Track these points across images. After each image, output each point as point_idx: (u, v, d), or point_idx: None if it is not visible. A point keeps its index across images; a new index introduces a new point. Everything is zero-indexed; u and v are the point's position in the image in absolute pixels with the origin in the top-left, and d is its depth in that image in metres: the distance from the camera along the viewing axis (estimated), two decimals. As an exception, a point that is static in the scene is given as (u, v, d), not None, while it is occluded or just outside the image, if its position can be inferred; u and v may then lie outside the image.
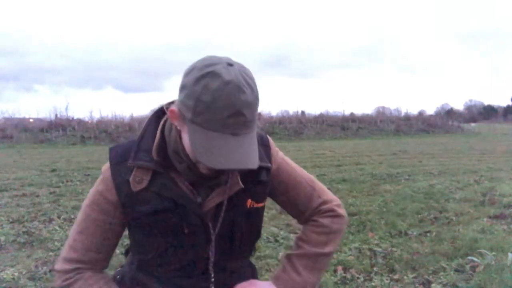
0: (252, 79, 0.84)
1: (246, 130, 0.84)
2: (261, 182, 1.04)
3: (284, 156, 1.12)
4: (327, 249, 1.09)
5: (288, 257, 1.11)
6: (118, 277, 1.14)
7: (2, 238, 3.59)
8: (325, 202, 1.11)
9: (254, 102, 0.82)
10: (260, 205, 1.05)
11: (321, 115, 26.51)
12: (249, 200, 1.03)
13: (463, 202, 5.01)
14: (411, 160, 9.86)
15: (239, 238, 1.04)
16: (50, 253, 3.23)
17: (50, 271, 2.84)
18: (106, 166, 1.01)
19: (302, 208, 1.12)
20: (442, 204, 4.89)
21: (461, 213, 4.42)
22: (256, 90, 0.84)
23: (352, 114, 27.62)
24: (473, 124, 40.08)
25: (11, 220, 4.24)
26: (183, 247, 0.99)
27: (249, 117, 0.82)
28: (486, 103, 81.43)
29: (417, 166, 8.70)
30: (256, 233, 1.09)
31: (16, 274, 2.80)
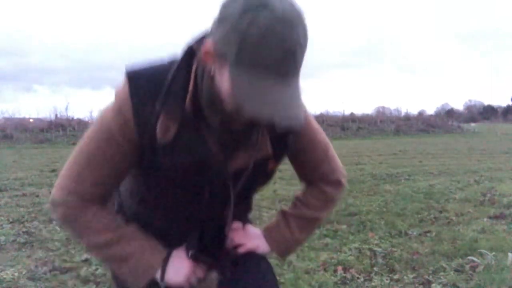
0: (303, 12, 0.73)
1: (294, 76, 0.73)
2: (288, 145, 0.99)
3: (307, 113, 1.02)
4: (322, 215, 1.12)
5: (284, 214, 1.12)
6: (116, 207, 1.10)
7: (2, 238, 3.59)
8: (333, 171, 1.10)
9: (306, 42, 0.72)
10: (279, 164, 1.01)
11: (321, 115, 26.49)
12: (272, 163, 0.98)
13: (463, 202, 5.01)
14: (411, 160, 9.86)
15: (252, 195, 1.06)
16: (50, 253, 3.22)
17: (50, 271, 2.84)
18: (124, 96, 0.86)
19: (309, 170, 1.09)
20: (442, 204, 4.89)
21: (461, 213, 4.42)
22: (307, 26, 0.72)
23: (352, 114, 27.67)
24: (473, 124, 40.08)
25: (11, 220, 4.23)
26: (199, 204, 0.97)
27: (300, 60, 0.72)
28: (486, 103, 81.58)
29: (417, 166, 8.70)
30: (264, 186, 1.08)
31: (16, 274, 2.80)
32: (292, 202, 1.14)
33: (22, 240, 3.55)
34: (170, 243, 1.00)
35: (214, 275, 1.02)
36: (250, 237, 1.07)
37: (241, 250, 1.05)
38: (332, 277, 2.71)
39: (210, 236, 1.03)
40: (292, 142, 0.98)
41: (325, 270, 2.83)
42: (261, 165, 0.96)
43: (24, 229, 3.87)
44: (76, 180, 0.91)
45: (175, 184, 0.93)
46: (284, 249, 1.11)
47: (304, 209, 1.10)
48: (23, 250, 3.33)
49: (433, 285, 2.59)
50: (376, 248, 3.26)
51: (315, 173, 1.09)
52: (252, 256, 1.09)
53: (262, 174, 0.99)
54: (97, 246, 0.95)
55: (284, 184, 6.21)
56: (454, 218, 4.23)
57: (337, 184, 1.11)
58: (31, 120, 22.09)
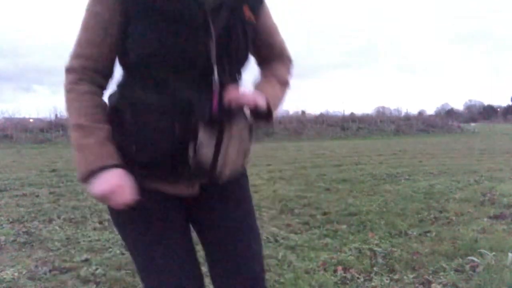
0: None
1: None
2: None
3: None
4: (288, 79, 1.27)
5: (263, 74, 1.25)
6: (113, 102, 1.11)
7: (2, 238, 3.59)
8: (288, 52, 1.30)
9: None
10: (253, 21, 1.13)
11: (321, 115, 26.52)
12: (247, 11, 1.10)
13: (463, 202, 5.01)
14: (411, 160, 9.85)
15: (235, 48, 1.08)
16: (50, 253, 3.23)
17: (50, 271, 2.84)
18: None
19: (275, 52, 1.26)
20: (442, 204, 4.88)
21: (461, 213, 4.42)
22: None
23: (352, 114, 27.63)
24: (473, 124, 40.07)
25: (11, 220, 4.24)
26: (183, 39, 1.01)
27: None
28: (486, 103, 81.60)
29: (417, 166, 8.69)
30: (246, 55, 1.14)
31: (16, 274, 2.80)
32: (263, 73, 1.26)
33: (22, 240, 3.55)
34: (163, 124, 1.02)
35: None
36: (248, 92, 1.11)
37: (244, 102, 1.07)
38: (332, 277, 2.71)
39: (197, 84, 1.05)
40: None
41: (325, 270, 2.83)
42: (237, 9, 1.08)
43: (24, 229, 3.87)
44: (76, 44, 1.06)
45: (155, 20, 1.00)
46: (272, 104, 1.16)
47: (276, 71, 1.25)
48: (23, 250, 3.34)
49: (433, 285, 2.59)
50: (376, 248, 3.26)
51: (278, 55, 1.26)
52: (243, 226, 1.19)
53: (238, 21, 1.08)
54: (71, 125, 1.04)
55: (284, 184, 6.21)
56: (454, 218, 4.23)
57: (291, 59, 1.31)
58: (31, 120, 22.09)
